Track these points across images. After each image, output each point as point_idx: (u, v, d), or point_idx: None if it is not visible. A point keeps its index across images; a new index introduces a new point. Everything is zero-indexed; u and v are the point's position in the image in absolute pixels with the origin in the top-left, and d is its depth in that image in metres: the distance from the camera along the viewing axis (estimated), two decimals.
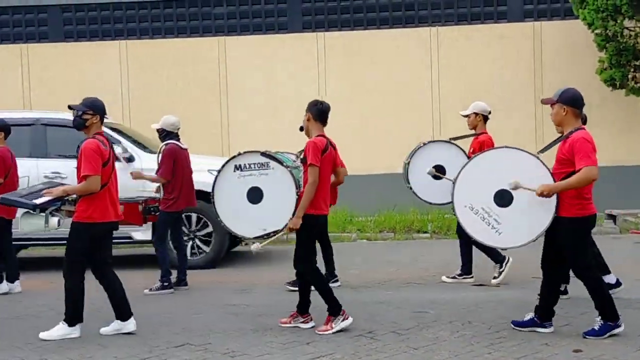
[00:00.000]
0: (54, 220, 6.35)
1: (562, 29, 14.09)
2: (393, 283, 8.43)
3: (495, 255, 8.16)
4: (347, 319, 6.28)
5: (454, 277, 8.38)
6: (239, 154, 6.76)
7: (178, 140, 8.34)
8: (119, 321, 6.45)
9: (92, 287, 6.53)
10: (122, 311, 6.43)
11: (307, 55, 14.00)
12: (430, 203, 8.52)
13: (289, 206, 6.41)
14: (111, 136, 9.34)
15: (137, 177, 8.34)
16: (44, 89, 13.77)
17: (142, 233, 9.41)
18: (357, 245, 11.84)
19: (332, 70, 14.03)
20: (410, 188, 8.48)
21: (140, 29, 14.12)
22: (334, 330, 6.20)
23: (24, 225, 6.43)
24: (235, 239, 9.66)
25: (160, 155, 8.27)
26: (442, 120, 13.89)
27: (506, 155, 6.27)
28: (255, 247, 6.45)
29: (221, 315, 7.06)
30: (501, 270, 8.14)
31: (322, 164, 6.19)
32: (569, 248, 5.82)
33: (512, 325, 6.17)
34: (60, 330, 6.30)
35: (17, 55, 13.94)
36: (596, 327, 5.83)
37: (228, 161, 6.83)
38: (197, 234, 9.59)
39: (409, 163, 8.43)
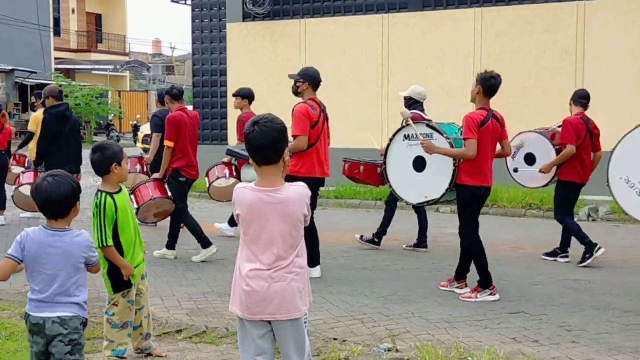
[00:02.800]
0: None
1: None
2: None
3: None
4: (494, 294, 6.40)
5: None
6: (407, 125, 7.02)
7: (422, 110, 8.43)
8: None
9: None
10: None
11: None
12: None
13: (447, 176, 6.60)
14: None
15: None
16: (401, 57, 14.43)
17: None
18: None
19: None
20: None
21: None
22: (477, 300, 6.34)
23: (244, 174, 7.42)
24: None
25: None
26: None
27: None
28: None
29: (560, 288, 6.86)
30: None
31: (481, 136, 6.25)
32: None
33: None
34: None
35: (379, 24, 14.76)
36: None
37: (398, 130, 7.12)
38: None
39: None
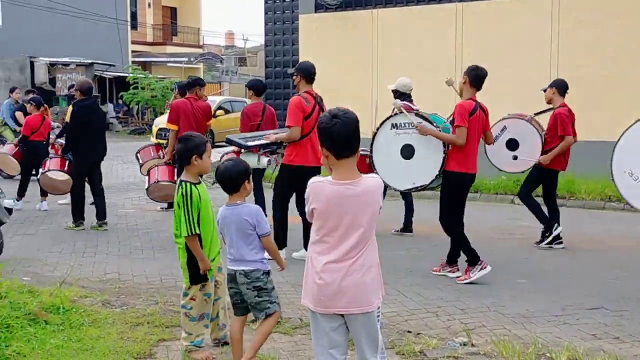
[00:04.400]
0: (263, 160, 7.86)
1: None
2: None
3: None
4: (484, 268, 6.64)
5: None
6: (396, 114, 7.30)
7: (410, 101, 8.70)
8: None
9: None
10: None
11: None
12: None
13: (436, 163, 6.89)
14: None
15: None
16: (476, 47, 14.17)
17: None
18: None
19: None
20: None
21: None
22: (472, 279, 6.59)
23: None
24: None
25: None
26: None
27: None
28: None
29: None
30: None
31: (470, 125, 6.57)
32: None
33: None
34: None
35: (453, 13, 14.55)
36: None
37: (386, 120, 7.38)
38: None
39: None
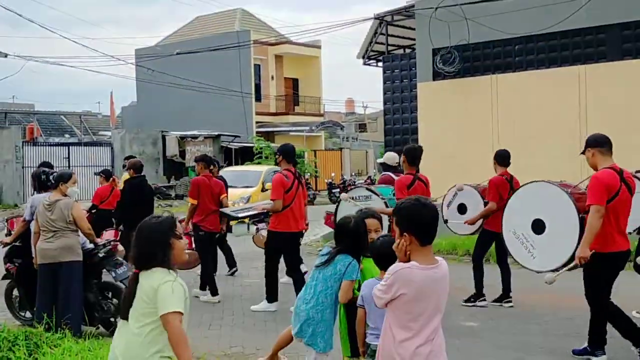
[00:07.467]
0: (252, 229, 9.19)
1: None
2: None
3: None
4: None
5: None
6: (352, 189, 8.92)
7: (394, 172, 9.63)
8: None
9: None
10: None
11: None
12: None
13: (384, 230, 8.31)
14: None
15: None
16: (600, 108, 13.76)
17: None
18: None
19: None
20: None
21: None
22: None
23: (235, 230, 9.30)
24: None
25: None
26: None
27: (543, 190, 6.86)
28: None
29: None
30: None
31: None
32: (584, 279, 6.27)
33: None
34: None
35: (575, 76, 14.22)
36: None
37: (346, 194, 8.74)
38: None
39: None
